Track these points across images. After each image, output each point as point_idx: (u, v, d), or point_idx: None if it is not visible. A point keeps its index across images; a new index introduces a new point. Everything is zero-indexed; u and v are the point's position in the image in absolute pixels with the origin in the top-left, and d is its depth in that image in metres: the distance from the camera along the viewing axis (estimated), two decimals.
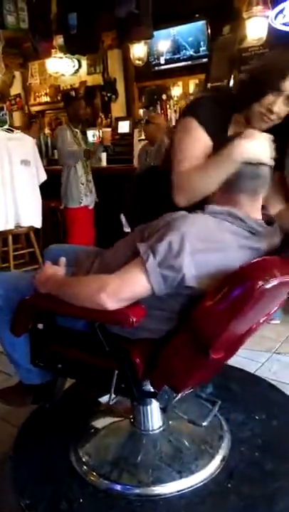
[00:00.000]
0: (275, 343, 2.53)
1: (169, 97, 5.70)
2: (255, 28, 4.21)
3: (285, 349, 2.48)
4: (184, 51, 5.27)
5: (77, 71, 6.17)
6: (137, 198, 1.70)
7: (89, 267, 1.43)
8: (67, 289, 1.26)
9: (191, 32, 5.13)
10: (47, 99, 6.83)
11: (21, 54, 6.54)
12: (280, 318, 2.71)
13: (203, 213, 1.25)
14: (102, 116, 5.86)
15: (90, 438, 1.68)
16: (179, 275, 1.12)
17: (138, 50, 4.92)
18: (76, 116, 4.01)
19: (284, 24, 4.30)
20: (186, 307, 1.19)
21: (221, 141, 1.35)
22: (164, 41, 5.33)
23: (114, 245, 1.43)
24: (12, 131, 3.79)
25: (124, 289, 1.15)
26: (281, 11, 4.31)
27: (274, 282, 1.06)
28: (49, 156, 5.64)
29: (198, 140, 1.37)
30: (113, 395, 1.33)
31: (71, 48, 5.32)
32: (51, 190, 4.00)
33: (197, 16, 4.96)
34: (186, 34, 5.18)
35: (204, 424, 1.47)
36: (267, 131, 1.34)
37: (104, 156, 4.83)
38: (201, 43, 5.09)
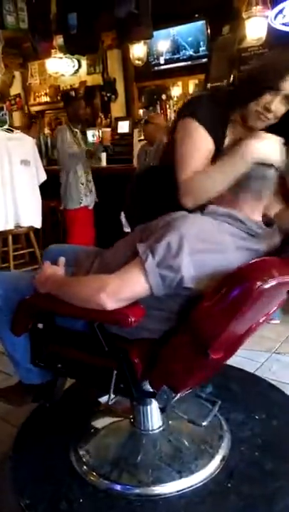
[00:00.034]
0: (275, 343, 2.53)
1: (169, 97, 5.71)
2: (255, 28, 4.22)
3: (285, 349, 2.49)
4: (184, 51, 5.27)
5: (76, 71, 6.18)
6: (137, 198, 1.70)
7: (89, 267, 1.43)
8: (67, 289, 1.26)
9: (190, 32, 5.14)
10: (47, 99, 6.84)
11: (21, 54, 6.54)
12: (279, 318, 2.71)
13: (203, 214, 1.25)
14: (102, 116, 5.86)
15: (90, 438, 1.68)
16: (177, 275, 1.12)
17: (138, 50, 4.92)
18: (76, 117, 4.01)
19: (283, 24, 4.31)
20: (185, 307, 1.19)
21: (220, 141, 1.36)
22: (163, 41, 5.33)
23: (114, 245, 1.43)
24: (12, 131, 3.79)
25: (124, 289, 1.15)
26: (281, 11, 4.31)
27: (272, 283, 1.06)
28: (49, 156, 5.64)
29: (201, 141, 1.37)
30: (112, 395, 1.33)
31: (71, 48, 5.32)
32: (51, 190, 4.00)
33: (197, 16, 4.96)
34: (185, 34, 5.18)
35: (204, 424, 1.47)
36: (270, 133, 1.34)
37: (104, 156, 4.84)
38: (201, 43, 5.09)
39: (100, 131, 5.34)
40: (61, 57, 5.49)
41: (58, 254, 1.47)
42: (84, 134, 4.53)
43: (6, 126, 3.77)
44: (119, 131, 5.43)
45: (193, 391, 1.64)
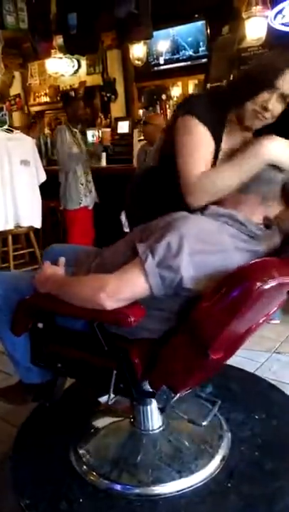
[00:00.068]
0: (275, 343, 2.53)
1: (169, 97, 5.71)
2: (255, 28, 4.22)
3: (285, 349, 2.49)
4: (184, 51, 5.28)
5: (76, 71, 6.19)
6: (137, 198, 1.70)
7: (89, 266, 1.43)
8: (67, 289, 1.26)
9: (190, 32, 5.14)
10: (46, 99, 6.84)
11: (21, 54, 6.54)
12: (279, 318, 2.71)
13: (203, 214, 1.25)
14: (102, 116, 5.87)
15: (90, 438, 1.68)
16: (177, 276, 1.12)
17: (137, 51, 4.93)
18: (75, 117, 4.01)
19: (283, 24, 4.31)
20: (185, 307, 1.19)
21: (217, 141, 1.35)
22: (163, 41, 5.34)
23: (114, 245, 1.43)
24: (12, 131, 3.79)
25: (124, 289, 1.15)
26: (280, 11, 4.31)
27: (272, 283, 1.06)
28: (49, 156, 5.65)
29: (202, 138, 1.36)
30: (112, 395, 1.33)
31: (71, 48, 5.32)
32: (51, 191, 4.00)
33: (196, 16, 4.97)
34: (185, 34, 5.19)
35: (204, 423, 1.47)
36: (265, 132, 1.34)
37: (103, 156, 4.84)
38: (201, 43, 5.10)
39: (100, 131, 5.34)
40: (61, 58, 5.50)
41: (58, 254, 1.47)
42: (84, 134, 4.54)
43: (6, 127, 3.77)
44: (119, 131, 5.44)
45: (193, 391, 1.64)
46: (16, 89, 6.95)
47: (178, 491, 1.43)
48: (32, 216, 3.83)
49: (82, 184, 3.93)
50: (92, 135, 5.30)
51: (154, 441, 1.58)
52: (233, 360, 1.63)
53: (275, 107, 1.33)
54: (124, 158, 4.88)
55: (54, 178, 3.95)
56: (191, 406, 1.68)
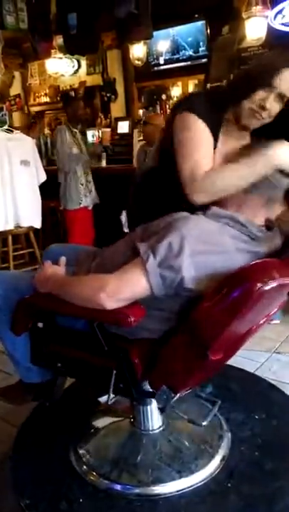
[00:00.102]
0: (275, 343, 2.53)
1: (169, 97, 5.71)
2: (255, 28, 4.22)
3: (285, 349, 2.49)
4: (184, 51, 5.28)
5: (76, 71, 6.19)
6: (138, 198, 1.70)
7: (89, 266, 1.43)
8: (68, 289, 1.26)
9: (190, 32, 5.15)
10: (46, 99, 6.84)
11: (21, 54, 6.54)
12: (279, 318, 2.71)
13: (205, 215, 1.25)
14: (102, 116, 5.86)
15: (90, 438, 1.68)
16: (178, 276, 1.12)
17: (137, 51, 4.93)
18: (75, 117, 4.01)
19: (283, 24, 4.32)
20: (186, 308, 1.19)
21: (214, 140, 1.35)
22: (163, 41, 5.34)
23: (114, 245, 1.43)
24: (12, 131, 3.79)
25: (124, 289, 1.15)
26: (280, 11, 4.32)
27: (273, 284, 1.06)
28: (49, 156, 5.65)
29: (202, 135, 1.36)
30: (112, 395, 1.33)
31: (71, 48, 5.32)
32: (51, 191, 4.00)
33: (196, 16, 4.97)
34: (185, 34, 5.19)
35: (204, 423, 1.47)
36: (264, 133, 1.34)
37: (103, 156, 4.84)
38: (201, 43, 5.10)
39: (100, 131, 5.34)
40: (61, 58, 5.49)
41: (59, 254, 1.47)
42: (84, 134, 4.53)
43: (6, 127, 3.77)
44: (119, 131, 5.44)
45: (193, 391, 1.64)
46: (16, 89, 6.95)
47: (178, 491, 1.43)
48: (32, 216, 3.82)
49: (82, 184, 3.93)
50: (92, 135, 5.30)
51: (154, 441, 1.58)
52: (233, 360, 1.63)
53: (273, 106, 1.33)
54: (124, 158, 4.88)
55: (54, 178, 3.95)
56: (191, 406, 1.68)
